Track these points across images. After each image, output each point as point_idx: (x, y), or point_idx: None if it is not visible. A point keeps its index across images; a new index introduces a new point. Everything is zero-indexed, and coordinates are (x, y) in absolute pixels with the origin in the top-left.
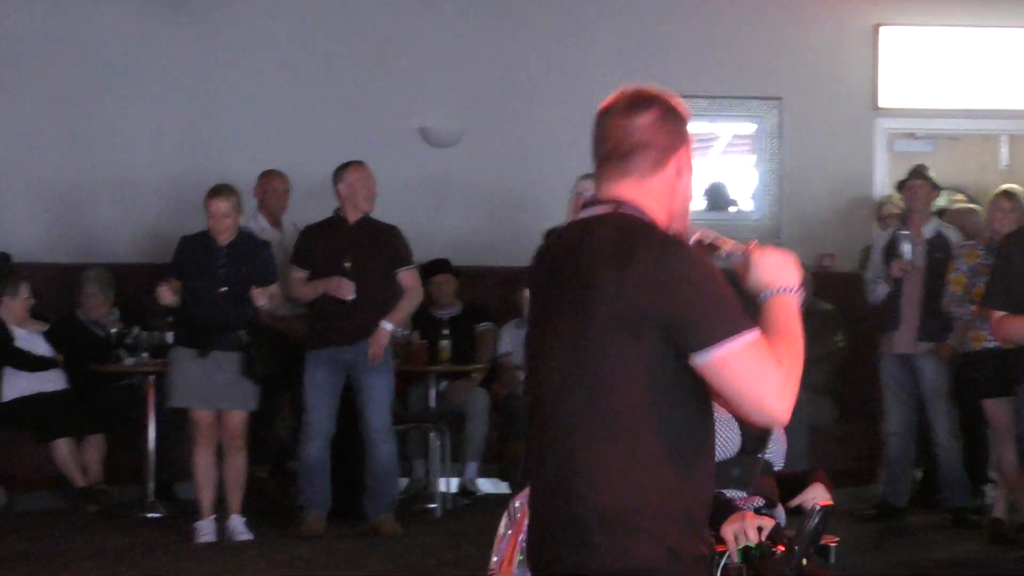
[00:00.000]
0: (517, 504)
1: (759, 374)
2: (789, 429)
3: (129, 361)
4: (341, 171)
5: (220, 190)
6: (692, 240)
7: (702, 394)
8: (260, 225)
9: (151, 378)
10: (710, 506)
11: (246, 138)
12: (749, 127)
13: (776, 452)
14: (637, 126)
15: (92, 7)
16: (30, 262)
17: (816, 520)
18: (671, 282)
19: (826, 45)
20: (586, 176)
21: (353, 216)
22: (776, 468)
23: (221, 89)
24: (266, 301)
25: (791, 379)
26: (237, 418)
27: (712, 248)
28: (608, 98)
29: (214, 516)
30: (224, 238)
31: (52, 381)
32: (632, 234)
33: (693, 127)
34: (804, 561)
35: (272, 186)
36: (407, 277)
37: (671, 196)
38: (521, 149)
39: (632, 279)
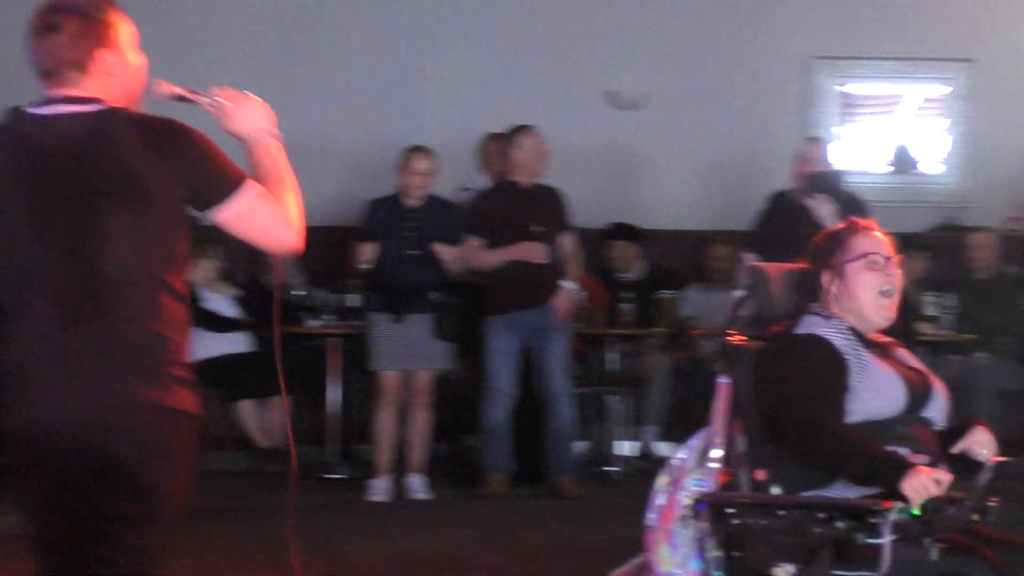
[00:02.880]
0: (677, 461)
1: (266, 218)
2: (975, 394)
3: (313, 324)
4: (515, 136)
5: (421, 148)
6: (162, 95)
7: None
8: (482, 186)
9: (334, 340)
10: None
11: (433, 100)
12: (943, 89)
13: (937, 411)
14: (52, 48)
15: None
16: None
17: (990, 475)
18: (189, 162)
19: (1020, 5)
20: (812, 139)
21: (527, 181)
22: (936, 428)
23: (411, 51)
24: (453, 261)
25: (294, 213)
26: (426, 377)
27: (185, 100)
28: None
29: (390, 475)
30: (416, 199)
31: (238, 343)
32: (152, 127)
33: (874, 88)
34: (975, 516)
35: (495, 149)
36: (571, 240)
37: (114, 90)
38: (710, 112)
39: (165, 167)
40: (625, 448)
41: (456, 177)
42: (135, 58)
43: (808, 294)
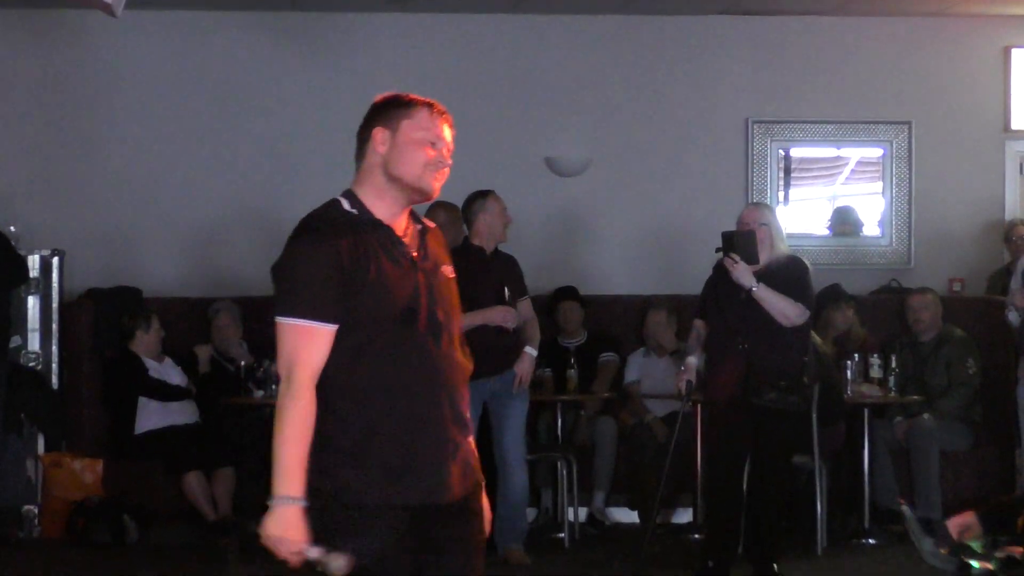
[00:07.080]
0: None
1: (283, 350)
2: (920, 455)
3: (259, 394)
4: (483, 200)
5: None
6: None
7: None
8: None
9: None
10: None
11: None
12: (875, 152)
13: None
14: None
15: (223, 42)
16: (161, 296)
17: None
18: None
19: (956, 68)
20: (753, 203)
21: (490, 246)
22: None
23: (350, 120)
24: None
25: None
26: None
27: None
28: None
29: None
30: None
31: (184, 414)
32: None
33: (814, 151)
34: None
35: (439, 218)
36: (530, 306)
37: (378, 169)
38: (650, 177)
39: None
40: (574, 515)
41: None
42: (391, 148)
43: None
